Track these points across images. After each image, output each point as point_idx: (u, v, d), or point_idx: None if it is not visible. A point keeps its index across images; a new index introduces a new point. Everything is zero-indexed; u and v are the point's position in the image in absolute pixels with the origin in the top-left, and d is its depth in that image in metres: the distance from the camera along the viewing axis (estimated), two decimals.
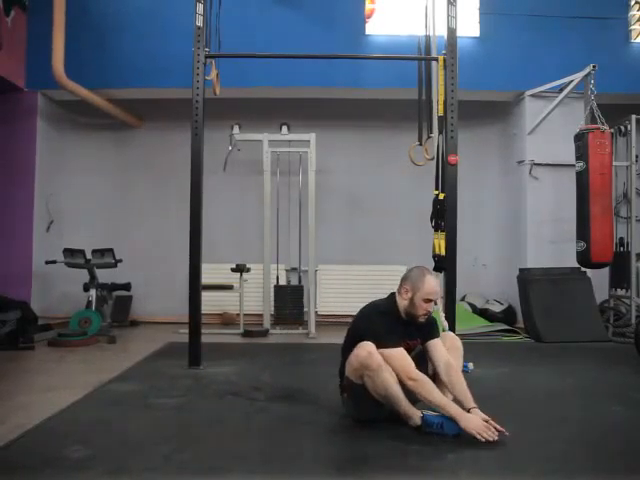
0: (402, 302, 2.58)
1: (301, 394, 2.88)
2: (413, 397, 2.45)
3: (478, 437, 2.27)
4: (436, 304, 4.22)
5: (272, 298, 6.01)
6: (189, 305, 3.95)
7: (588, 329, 5.28)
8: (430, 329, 2.63)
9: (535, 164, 6.11)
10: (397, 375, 2.42)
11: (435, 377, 2.54)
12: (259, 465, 2.14)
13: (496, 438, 2.27)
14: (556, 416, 2.83)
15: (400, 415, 2.46)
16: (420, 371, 2.46)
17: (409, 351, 2.54)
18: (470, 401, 2.43)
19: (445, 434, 2.36)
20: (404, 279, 2.62)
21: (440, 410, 2.39)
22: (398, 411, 2.45)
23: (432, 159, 4.26)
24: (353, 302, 6.52)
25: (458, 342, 2.72)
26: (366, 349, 2.44)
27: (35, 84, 6.09)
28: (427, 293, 2.53)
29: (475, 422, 2.32)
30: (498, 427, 2.31)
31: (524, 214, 6.22)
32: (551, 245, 6.04)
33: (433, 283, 2.56)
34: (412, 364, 2.45)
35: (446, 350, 2.60)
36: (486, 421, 2.33)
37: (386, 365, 2.42)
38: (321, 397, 3.01)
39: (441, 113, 4.01)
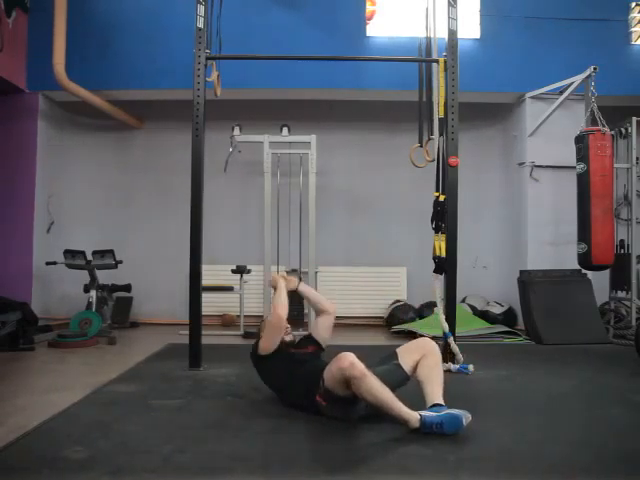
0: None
1: None
2: None
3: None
4: (436, 305, 4.24)
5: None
6: (189, 306, 3.94)
7: (589, 331, 5.28)
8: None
9: (536, 166, 6.11)
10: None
11: None
12: (259, 466, 2.14)
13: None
14: (556, 417, 2.83)
15: (396, 419, 2.42)
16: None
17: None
18: None
19: (444, 433, 2.35)
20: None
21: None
22: (393, 415, 2.41)
23: (433, 161, 4.26)
24: (353, 304, 6.62)
25: (429, 345, 2.74)
26: (348, 360, 2.39)
27: (36, 85, 6.09)
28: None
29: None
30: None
31: (525, 216, 6.22)
32: (552, 247, 6.04)
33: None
34: None
35: (421, 357, 2.68)
36: None
37: (369, 373, 2.40)
38: None
39: (442, 115, 4.02)
